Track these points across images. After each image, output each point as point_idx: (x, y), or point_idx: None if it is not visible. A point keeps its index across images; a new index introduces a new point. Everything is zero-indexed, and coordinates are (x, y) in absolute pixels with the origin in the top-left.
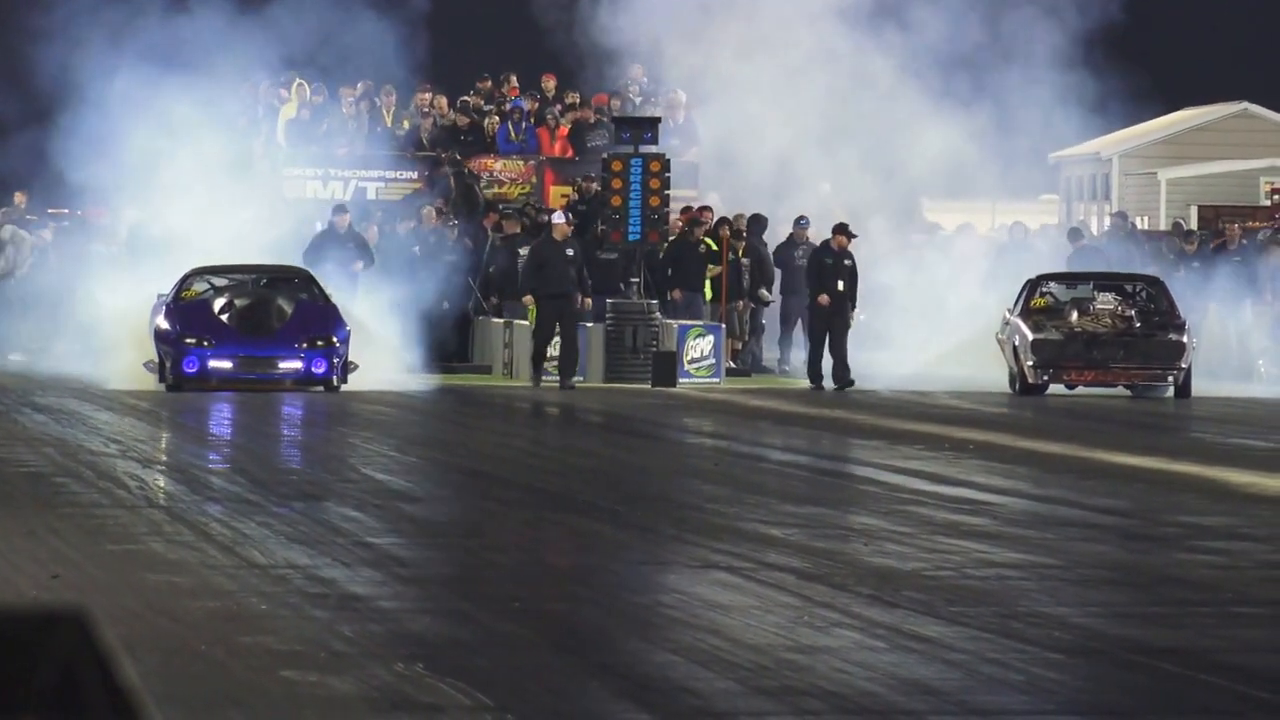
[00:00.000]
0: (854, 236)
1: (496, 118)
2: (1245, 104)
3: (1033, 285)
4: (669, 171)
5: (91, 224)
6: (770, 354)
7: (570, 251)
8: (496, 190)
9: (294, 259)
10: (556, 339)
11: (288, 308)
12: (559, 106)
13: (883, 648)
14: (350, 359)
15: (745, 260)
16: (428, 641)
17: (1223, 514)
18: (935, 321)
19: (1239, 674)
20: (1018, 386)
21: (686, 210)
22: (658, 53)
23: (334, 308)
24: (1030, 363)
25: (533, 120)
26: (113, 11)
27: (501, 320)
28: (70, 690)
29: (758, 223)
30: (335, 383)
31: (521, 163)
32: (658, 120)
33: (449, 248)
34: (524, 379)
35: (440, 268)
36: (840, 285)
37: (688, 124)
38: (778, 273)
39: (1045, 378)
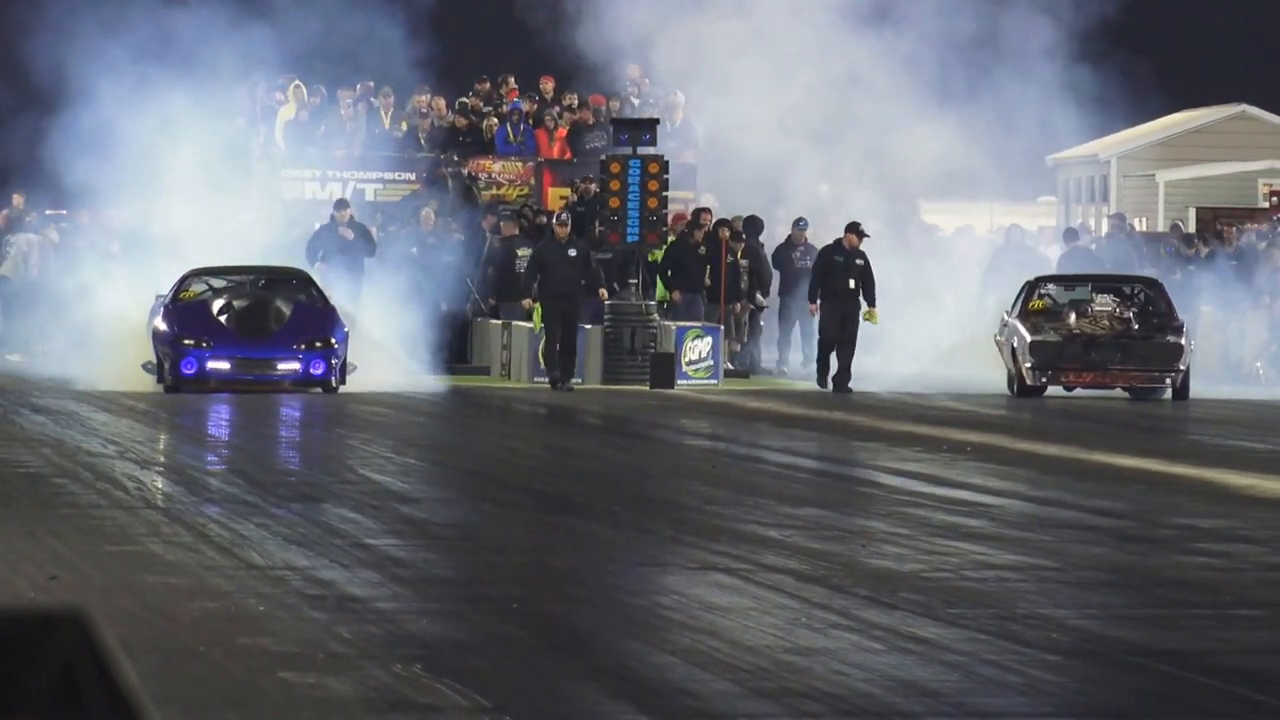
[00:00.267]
0: (866, 236)
1: (495, 119)
2: (1243, 106)
3: (1031, 287)
4: (667, 173)
5: (89, 225)
6: (768, 355)
7: (572, 252)
8: (495, 192)
9: (292, 260)
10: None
11: (286, 309)
12: (557, 108)
13: (880, 649)
14: (349, 360)
15: (743, 262)
16: (426, 643)
17: (1221, 516)
18: (934, 323)
19: (1237, 676)
20: (1016, 388)
21: (696, 212)
22: (654, 54)
23: (332, 309)
24: (1028, 364)
25: (531, 122)
26: (112, 11)
27: (500, 322)
28: (70, 691)
29: (754, 224)
30: (333, 384)
31: (520, 164)
32: (656, 122)
33: (447, 249)
34: (523, 381)
35: (438, 269)
36: (851, 284)
37: (685, 125)
38: (776, 274)
39: (1043, 379)
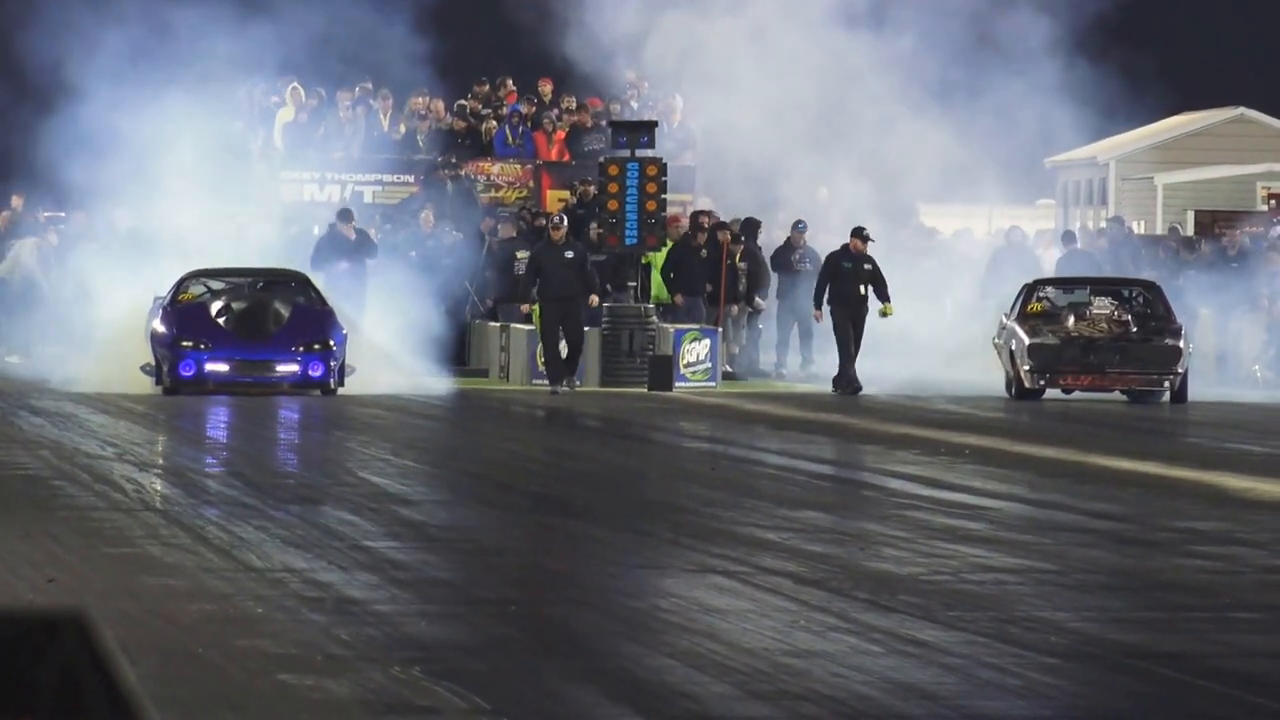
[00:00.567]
0: (871, 240)
1: (494, 122)
2: (1242, 109)
3: (1029, 290)
4: (666, 175)
5: (88, 226)
6: (766, 358)
7: (569, 255)
8: (493, 194)
9: (291, 262)
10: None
11: (284, 311)
12: (556, 111)
13: (879, 652)
14: (347, 362)
15: (741, 265)
16: (424, 645)
17: (1219, 519)
18: (932, 326)
19: (1236, 679)
20: (1014, 391)
21: (695, 214)
22: (651, 57)
23: (331, 311)
24: (1027, 367)
25: (530, 124)
26: (111, 12)
27: (498, 324)
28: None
29: (751, 227)
30: (332, 386)
31: (518, 166)
32: (654, 124)
33: (446, 251)
34: (522, 383)
35: (437, 271)
36: (863, 289)
37: (683, 128)
38: (774, 277)
39: (1042, 382)
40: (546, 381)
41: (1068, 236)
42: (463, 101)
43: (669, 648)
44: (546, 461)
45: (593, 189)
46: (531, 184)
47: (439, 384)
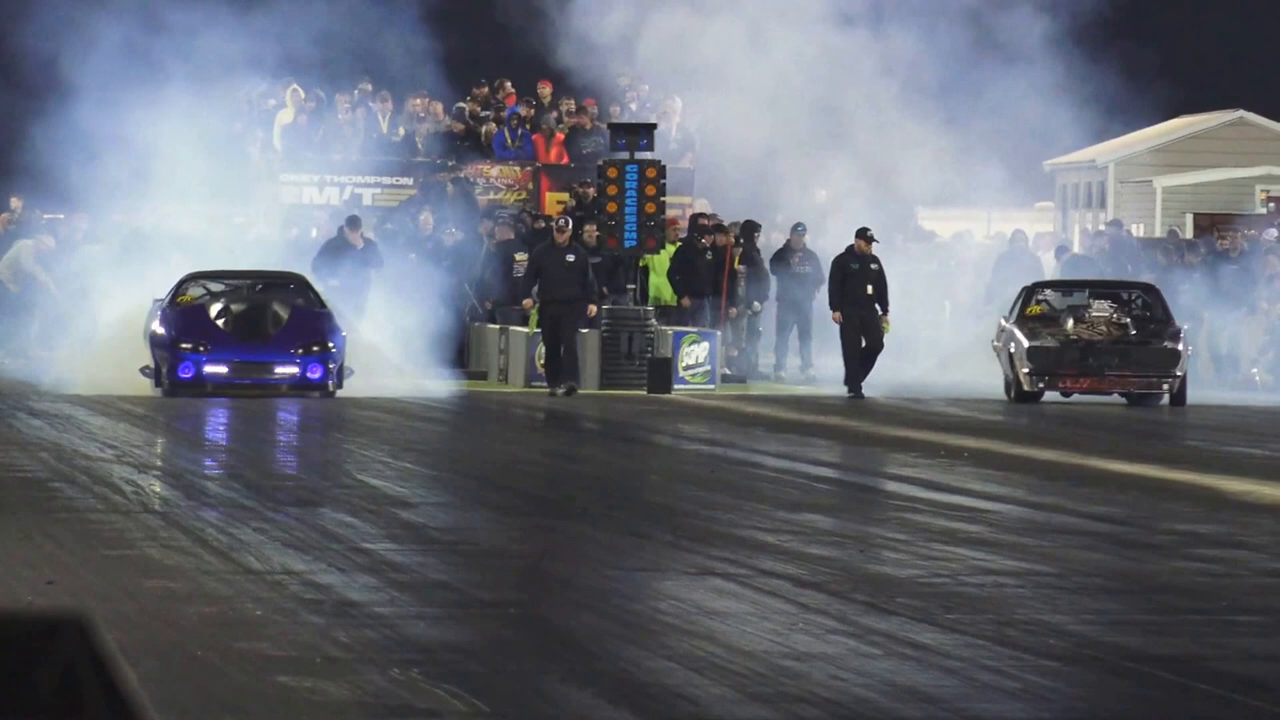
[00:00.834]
0: (875, 240)
1: (493, 124)
2: (1241, 112)
3: (1028, 292)
4: (665, 178)
5: (87, 228)
6: (765, 360)
7: (572, 258)
8: (492, 197)
9: (290, 264)
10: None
11: (284, 313)
12: (555, 114)
13: (878, 655)
14: (346, 364)
15: (740, 267)
16: (423, 647)
17: (1218, 522)
18: (931, 329)
19: (1235, 682)
20: (1013, 394)
21: (694, 217)
22: (649, 59)
23: (330, 313)
24: (1026, 370)
25: (529, 127)
26: (110, 14)
27: (496, 326)
28: (71, 695)
29: (750, 229)
30: (331, 388)
31: (517, 169)
32: (653, 126)
33: (445, 253)
34: (521, 385)
35: (436, 273)
36: (869, 290)
37: (683, 130)
38: (773, 279)
39: (1041, 385)
40: (545, 383)
41: (1060, 251)
42: (461, 104)
43: (668, 650)
44: (546, 464)
45: (592, 191)
46: (530, 186)
47: (438, 386)
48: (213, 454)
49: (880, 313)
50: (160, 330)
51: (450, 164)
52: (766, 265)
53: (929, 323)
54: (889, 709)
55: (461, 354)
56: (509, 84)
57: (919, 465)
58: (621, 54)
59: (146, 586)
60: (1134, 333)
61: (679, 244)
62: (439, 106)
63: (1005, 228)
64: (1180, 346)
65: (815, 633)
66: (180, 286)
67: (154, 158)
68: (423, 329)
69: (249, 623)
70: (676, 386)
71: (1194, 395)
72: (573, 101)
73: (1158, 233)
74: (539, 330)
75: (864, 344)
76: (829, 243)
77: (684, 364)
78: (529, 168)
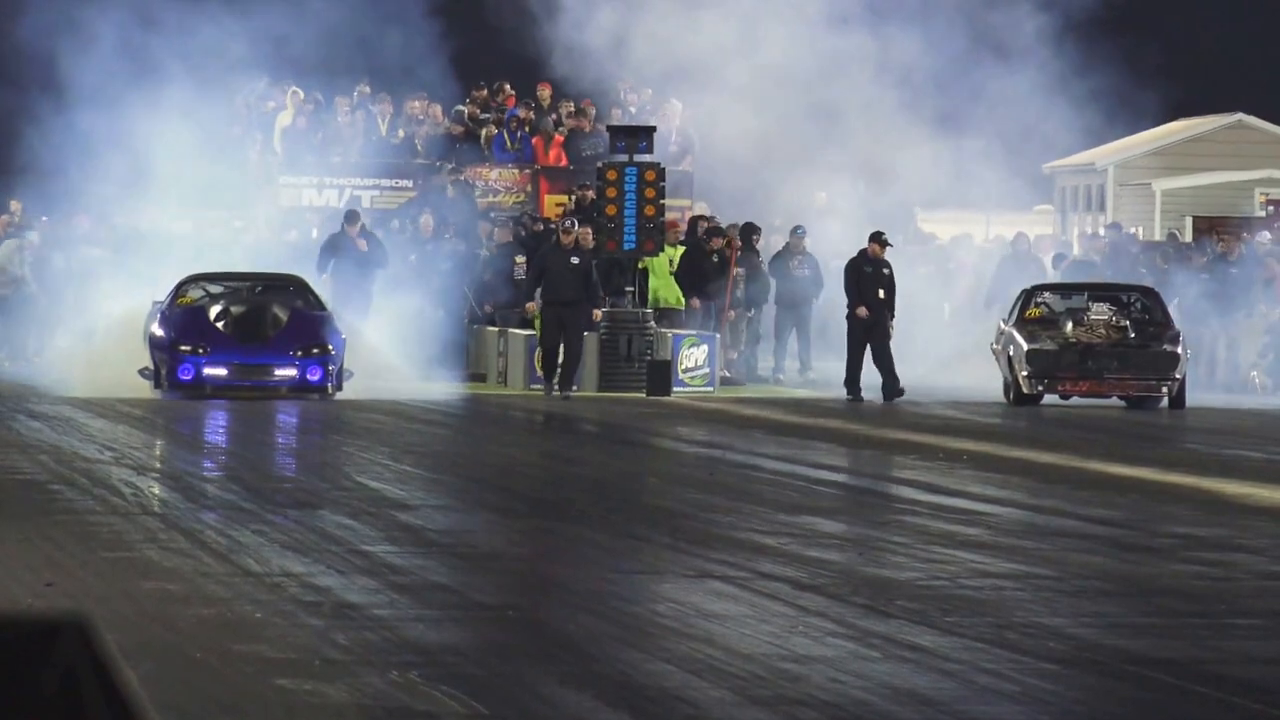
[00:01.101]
0: (890, 245)
1: (493, 126)
2: (1240, 115)
3: (1028, 295)
4: (664, 181)
5: (87, 230)
6: (764, 363)
7: (576, 260)
8: (491, 199)
9: (290, 267)
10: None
11: (283, 315)
12: (554, 117)
13: (877, 657)
14: (346, 366)
15: (740, 270)
16: (422, 649)
17: (1217, 525)
18: (930, 331)
19: (1234, 685)
20: (1012, 397)
21: (694, 220)
22: (649, 61)
23: (329, 315)
24: (1025, 373)
25: (528, 129)
26: (110, 15)
27: (496, 329)
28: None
29: (750, 232)
30: (330, 390)
31: (517, 171)
32: (653, 129)
33: (444, 256)
34: (520, 388)
35: (435, 276)
36: (881, 294)
37: (682, 133)
38: (772, 282)
39: (1040, 388)
40: (543, 384)
41: (1058, 259)
42: (461, 106)
43: (667, 653)
44: (545, 466)
45: (591, 194)
46: (529, 189)
47: (437, 388)
48: (212, 456)
49: (889, 316)
50: (159, 332)
51: (450, 166)
52: (765, 268)
53: (928, 325)
54: (888, 711)
55: (461, 356)
56: (508, 86)
57: (918, 468)
58: (615, 59)
59: (145, 588)
60: (1133, 336)
61: (683, 246)
62: (438, 109)
63: (1004, 230)
64: (1179, 349)
65: (814, 635)
66: (180, 288)
67: (153, 160)
68: (422, 331)
69: (248, 625)
70: (676, 389)
71: (1194, 398)
72: (572, 104)
73: (1157, 236)
74: (541, 333)
75: (871, 351)
76: (828, 245)
77: (683, 366)
78: (528, 170)
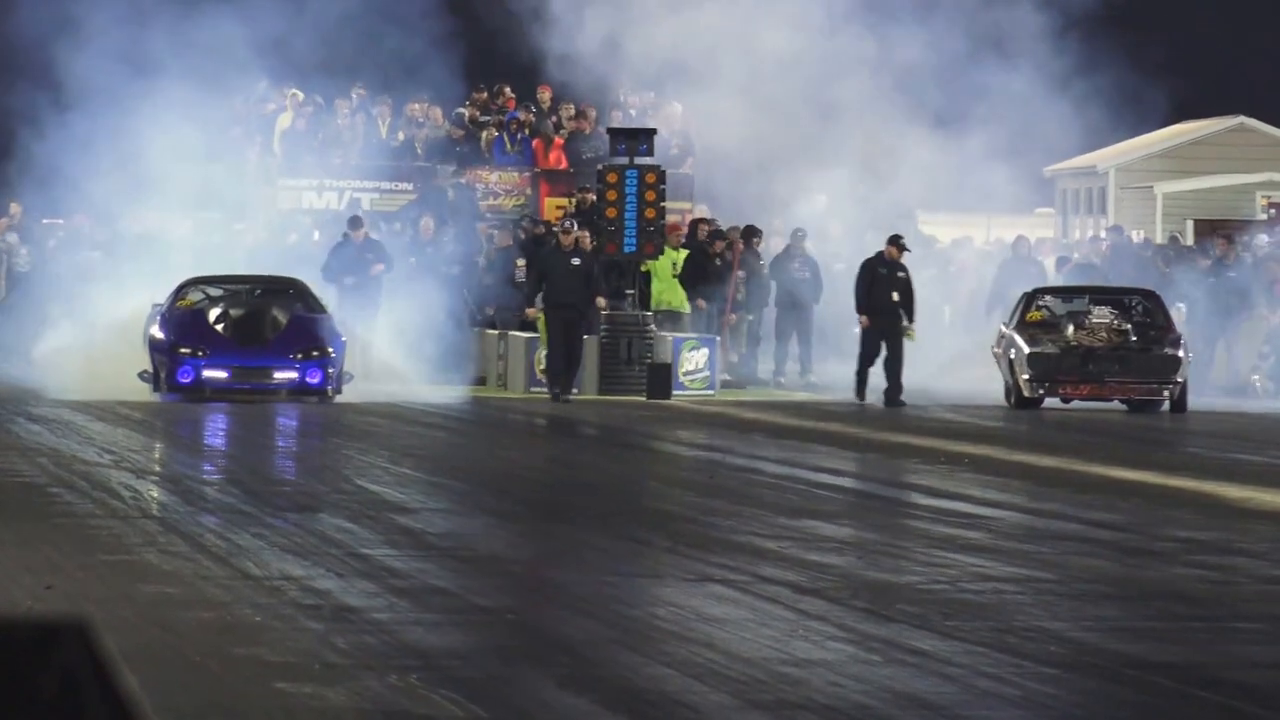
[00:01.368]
0: (907, 250)
1: (493, 129)
2: (1242, 118)
3: (1029, 299)
4: (664, 183)
5: (87, 232)
6: (765, 366)
7: (575, 261)
8: (491, 202)
9: (290, 269)
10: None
11: (282, 318)
12: (554, 119)
13: (878, 661)
14: (345, 369)
15: (740, 273)
16: (422, 653)
17: (1219, 529)
18: (931, 334)
19: (1235, 689)
20: (1013, 400)
21: (694, 222)
22: (649, 62)
23: (329, 318)
24: (1026, 376)
25: (528, 132)
26: (110, 17)
27: (496, 332)
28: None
29: (750, 234)
30: (330, 393)
31: (517, 174)
32: (653, 131)
33: (444, 258)
34: (520, 391)
35: (435, 279)
36: (895, 297)
37: (682, 135)
38: (772, 284)
39: (1041, 391)
40: (545, 388)
41: (1061, 261)
42: (461, 109)
43: (667, 657)
44: (544, 469)
45: (591, 196)
46: (529, 191)
47: (437, 392)
48: (211, 459)
49: (906, 321)
50: (159, 335)
51: (450, 169)
52: (766, 270)
53: (929, 328)
54: (888, 715)
55: (461, 359)
56: (508, 89)
57: (919, 471)
58: (611, 65)
59: (145, 592)
60: (1134, 339)
61: (685, 249)
62: (438, 111)
63: (1005, 233)
64: (1181, 353)
65: (814, 639)
66: (179, 291)
67: (153, 162)
68: (422, 334)
69: (247, 628)
70: (676, 392)
71: (1195, 401)
72: (572, 107)
73: (1158, 239)
74: (546, 336)
75: (884, 354)
76: (829, 248)
77: (683, 369)
78: (528, 173)
